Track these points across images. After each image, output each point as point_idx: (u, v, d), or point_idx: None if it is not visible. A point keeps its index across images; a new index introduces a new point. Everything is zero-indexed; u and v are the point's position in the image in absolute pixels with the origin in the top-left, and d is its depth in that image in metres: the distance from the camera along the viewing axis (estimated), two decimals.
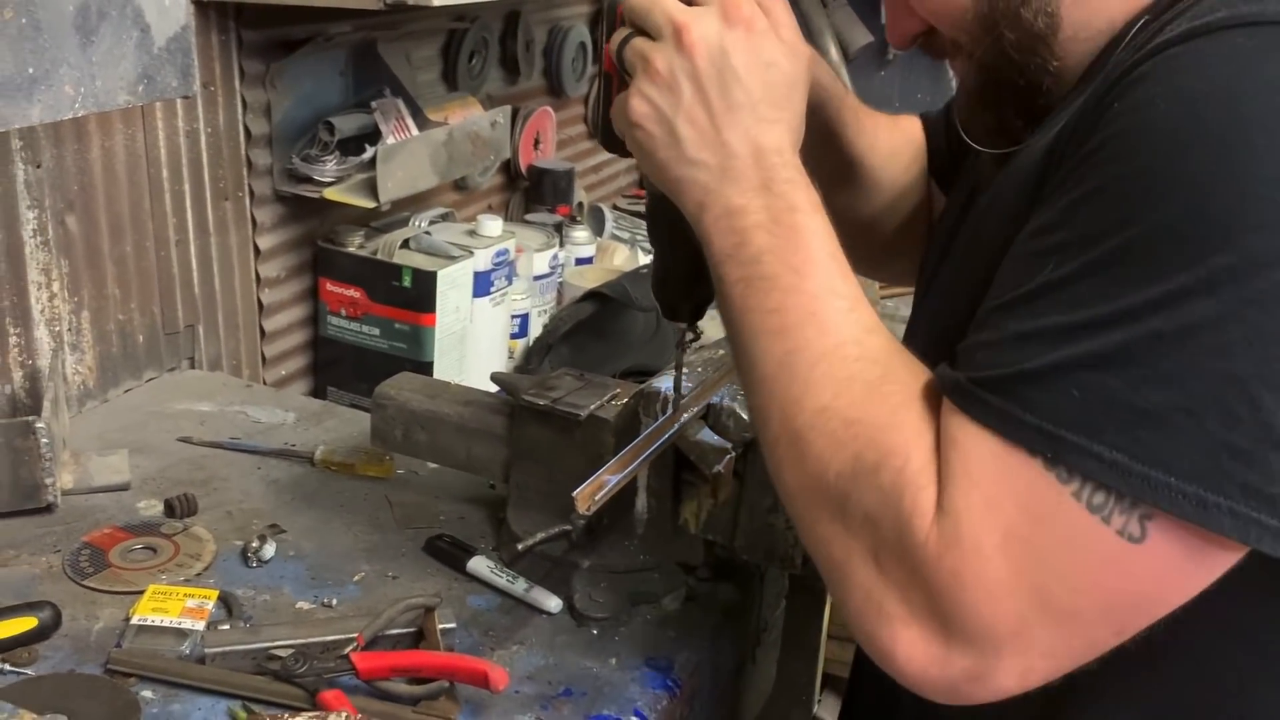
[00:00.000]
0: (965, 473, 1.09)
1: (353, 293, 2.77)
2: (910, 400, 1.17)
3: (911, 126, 1.88)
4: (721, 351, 1.86)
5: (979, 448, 1.09)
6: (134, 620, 1.67)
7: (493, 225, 2.88)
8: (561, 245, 3.24)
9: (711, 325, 3.08)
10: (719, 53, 1.31)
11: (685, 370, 1.75)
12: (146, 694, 1.56)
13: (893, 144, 1.83)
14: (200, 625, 1.66)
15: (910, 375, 1.20)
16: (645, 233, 3.72)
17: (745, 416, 1.64)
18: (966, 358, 1.14)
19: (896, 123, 1.88)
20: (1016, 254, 1.15)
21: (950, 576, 1.08)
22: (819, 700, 2.48)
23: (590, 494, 1.51)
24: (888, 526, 1.12)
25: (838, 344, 1.22)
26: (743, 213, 1.28)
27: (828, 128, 1.73)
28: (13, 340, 2.19)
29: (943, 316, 1.38)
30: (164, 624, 1.66)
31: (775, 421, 1.23)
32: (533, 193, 3.52)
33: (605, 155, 4.00)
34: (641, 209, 3.93)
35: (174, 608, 1.69)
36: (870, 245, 1.81)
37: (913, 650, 1.11)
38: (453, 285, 2.72)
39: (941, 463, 1.11)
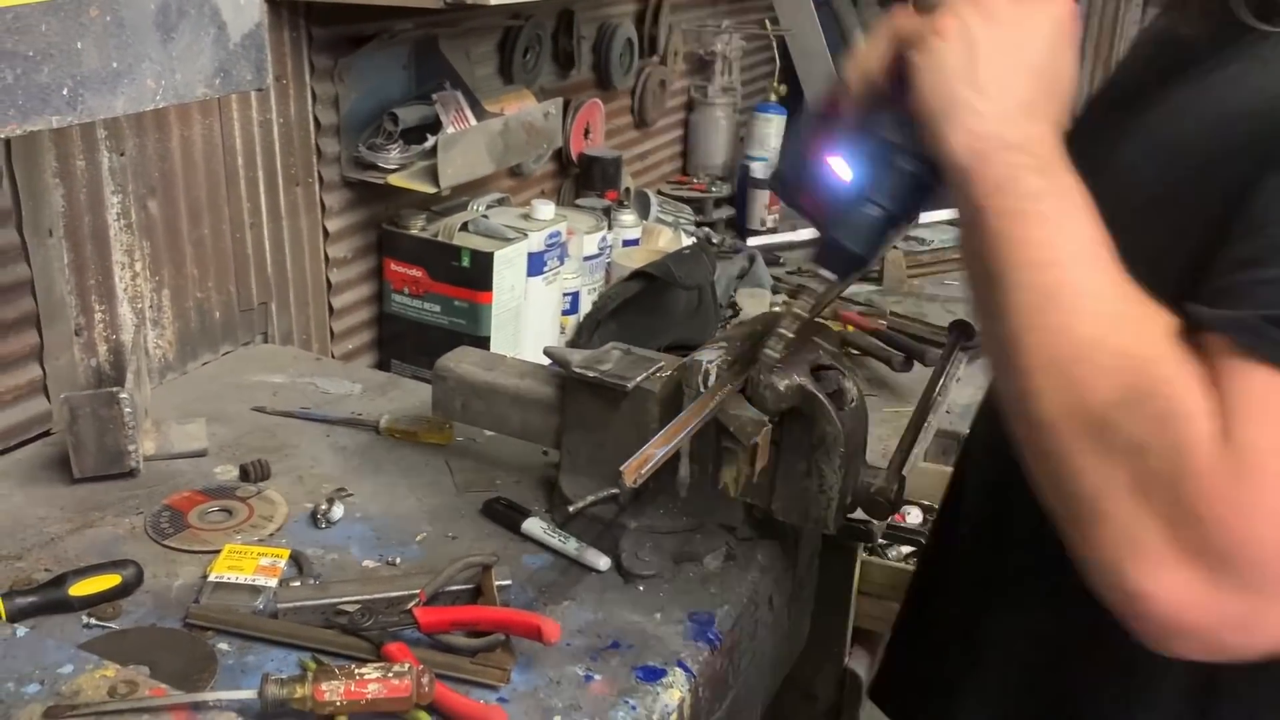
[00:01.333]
0: (1257, 407, 1.01)
1: (415, 272, 2.77)
2: (1171, 337, 1.09)
3: None
4: (759, 327, 1.85)
5: (1270, 382, 1.01)
6: (211, 578, 1.67)
7: (545, 209, 2.87)
8: (609, 228, 3.22)
9: (750, 303, 3.08)
10: (1040, 12, 1.28)
11: (724, 344, 1.74)
12: (223, 646, 1.57)
13: None
14: (273, 582, 1.66)
15: (1164, 315, 1.12)
16: (687, 217, 3.73)
17: (781, 389, 1.63)
18: (1241, 293, 1.06)
19: None
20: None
21: (1235, 510, 0.99)
22: (849, 653, 2.47)
23: (637, 467, 1.50)
24: (1159, 456, 1.03)
25: (1108, 281, 1.14)
26: (1020, 149, 1.21)
27: None
28: (98, 317, 2.19)
29: (1127, 199, 1.27)
30: (239, 581, 1.66)
31: (1035, 350, 1.14)
32: (582, 179, 3.51)
33: (652, 143, 4.02)
34: (683, 194, 3.94)
35: (248, 566, 1.69)
36: None
37: (1175, 591, 1.02)
38: (508, 265, 2.72)
39: (1224, 398, 1.03)
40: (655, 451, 1.53)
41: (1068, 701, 1.46)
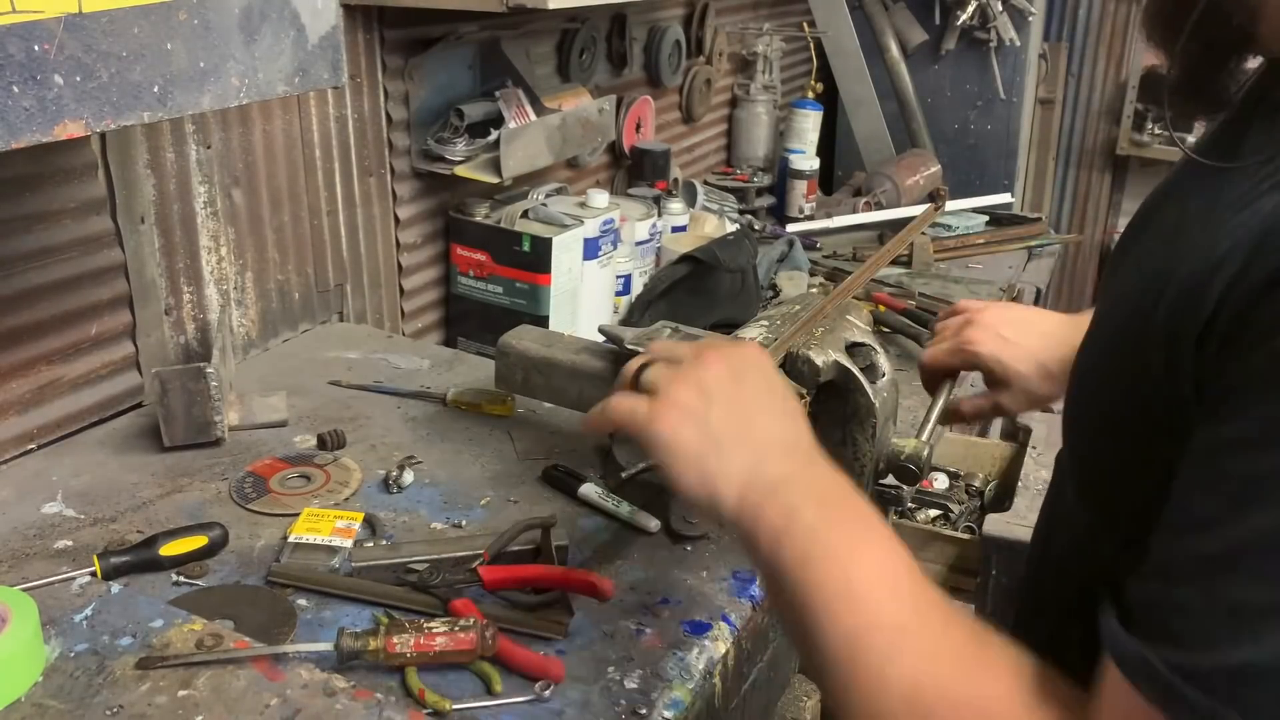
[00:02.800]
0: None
1: (479, 256, 2.76)
2: (1013, 672, 0.96)
3: None
4: (797, 307, 1.84)
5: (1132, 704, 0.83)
6: (291, 539, 1.67)
7: (600, 198, 2.87)
8: (659, 215, 3.21)
9: (789, 285, 3.06)
10: (738, 361, 1.25)
11: (766, 322, 1.73)
12: (301, 602, 1.56)
13: None
14: (348, 543, 1.66)
15: (1006, 648, 0.99)
16: (731, 205, 3.71)
17: (819, 363, 1.62)
18: (1154, 615, 0.84)
19: None
20: (1206, 455, 0.86)
21: None
22: None
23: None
24: None
25: (910, 606, 1.02)
26: (789, 486, 1.13)
27: None
28: (186, 297, 2.19)
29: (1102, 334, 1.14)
30: (317, 542, 1.66)
31: (857, 704, 0.99)
32: (634, 170, 3.50)
33: (698, 137, 4.01)
34: (727, 184, 3.93)
35: (325, 528, 1.69)
36: None
37: None
38: (566, 250, 2.71)
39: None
40: None
41: None
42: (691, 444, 1.19)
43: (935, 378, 1.83)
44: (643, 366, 1.29)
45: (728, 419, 1.20)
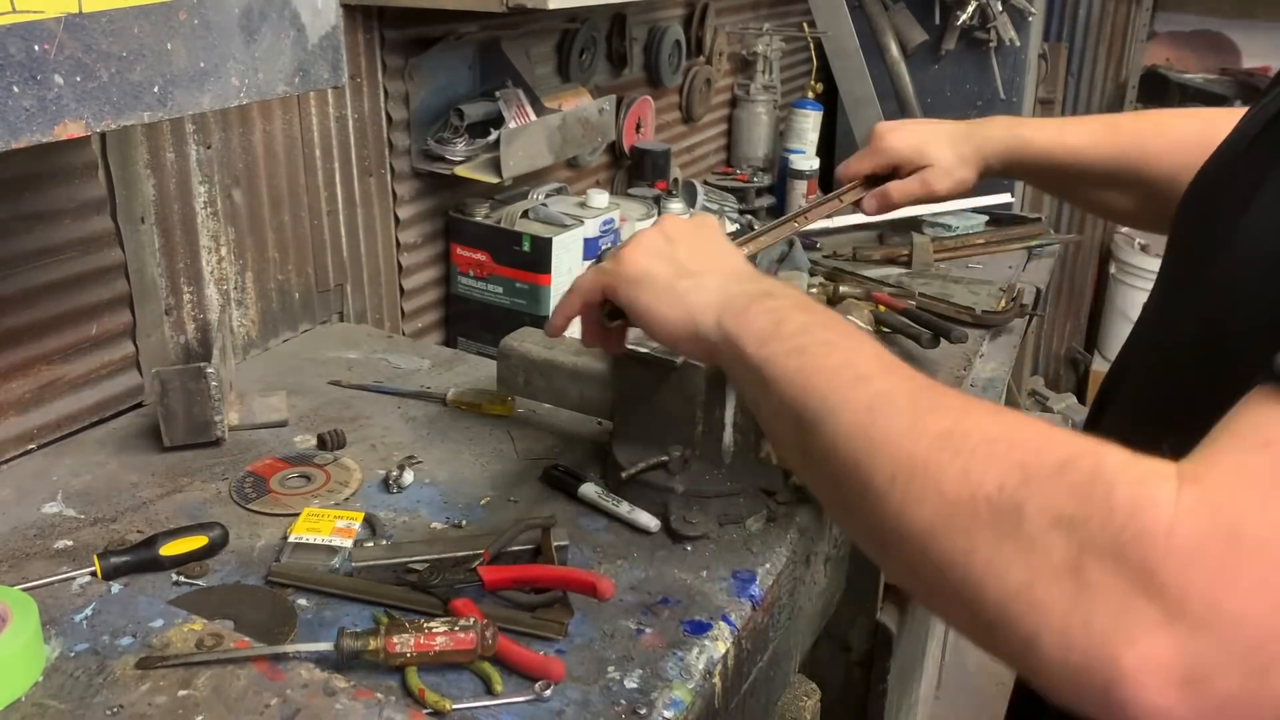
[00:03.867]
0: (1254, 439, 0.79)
1: (479, 256, 2.76)
2: (1031, 418, 0.91)
3: (1210, 134, 1.44)
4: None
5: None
6: (291, 539, 1.67)
7: (600, 198, 2.87)
8: (659, 215, 3.22)
9: (789, 284, 3.05)
10: (691, 219, 1.39)
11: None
12: (302, 602, 1.56)
13: (1184, 159, 1.52)
14: (348, 543, 1.66)
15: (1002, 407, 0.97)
16: (731, 205, 3.71)
17: None
18: None
19: (1191, 134, 1.66)
20: None
21: (1213, 575, 0.74)
22: (881, 607, 2.46)
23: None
24: (1099, 525, 0.78)
25: (927, 381, 1.01)
26: (770, 296, 1.18)
27: (1028, 171, 1.89)
28: (187, 297, 2.20)
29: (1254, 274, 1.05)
30: (317, 542, 1.66)
31: (883, 465, 0.93)
32: (634, 170, 3.51)
33: (698, 137, 4.01)
34: (727, 184, 3.93)
35: (325, 528, 1.69)
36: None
37: (1159, 674, 0.75)
38: (566, 250, 2.71)
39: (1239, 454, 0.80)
40: None
41: None
42: (662, 275, 1.30)
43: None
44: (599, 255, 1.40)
45: (692, 253, 1.32)
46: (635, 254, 1.34)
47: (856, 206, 2.00)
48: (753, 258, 1.67)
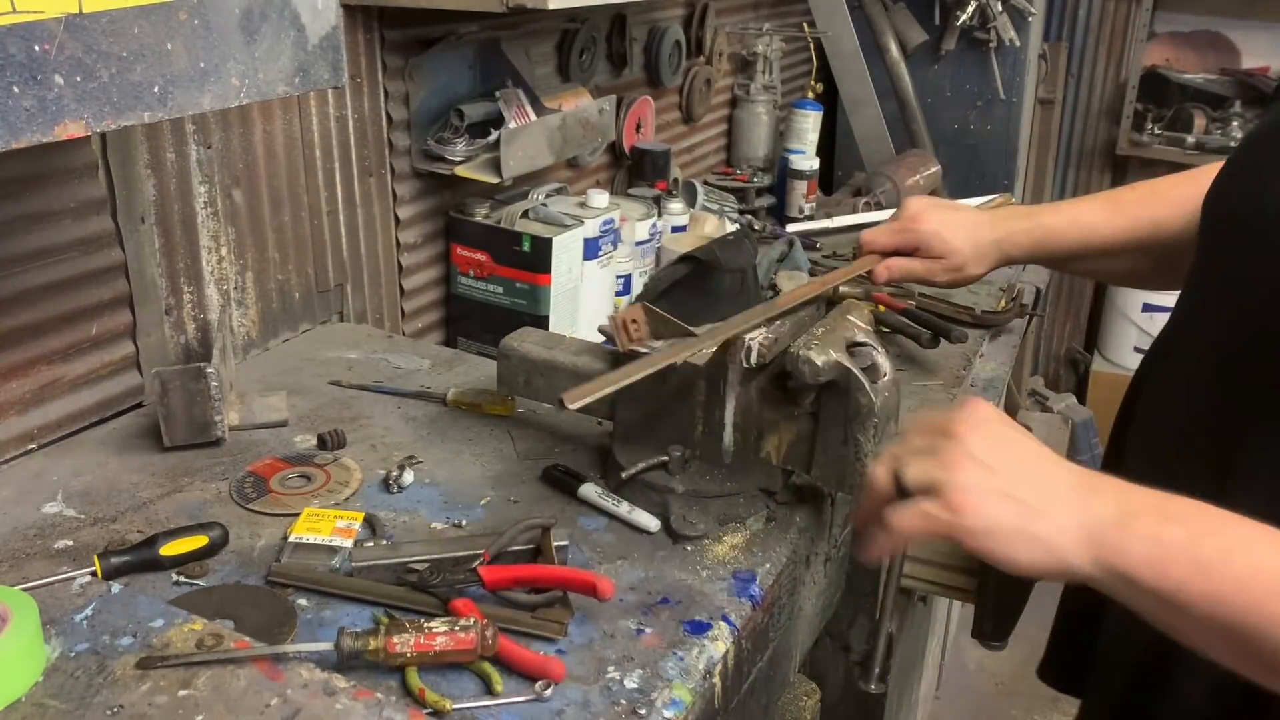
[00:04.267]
0: None
1: (480, 256, 2.77)
2: None
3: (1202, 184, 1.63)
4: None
5: None
6: (291, 538, 1.67)
7: (600, 198, 2.87)
8: (659, 215, 3.22)
9: (789, 285, 3.06)
10: (985, 424, 1.24)
11: (766, 323, 1.73)
12: (302, 602, 1.57)
13: (1188, 215, 1.67)
14: (348, 543, 1.66)
15: None
16: (731, 205, 3.71)
17: (819, 363, 1.62)
18: None
19: (1193, 192, 1.67)
20: None
21: None
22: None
23: (576, 397, 1.53)
24: None
25: None
26: (1131, 517, 1.13)
27: (1051, 256, 1.94)
28: (187, 297, 2.20)
29: None
30: (317, 542, 1.66)
31: None
32: (634, 170, 3.51)
33: (698, 137, 4.01)
34: (727, 184, 3.93)
35: (325, 528, 1.69)
36: (1179, 268, 1.64)
37: None
38: (566, 250, 2.71)
39: None
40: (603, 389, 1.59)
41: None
42: (1008, 518, 1.18)
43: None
44: (894, 472, 1.27)
45: (1023, 481, 1.20)
46: (967, 499, 1.20)
47: (867, 275, 2.07)
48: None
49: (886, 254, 2.05)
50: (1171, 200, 1.81)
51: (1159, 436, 1.47)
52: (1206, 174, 1.63)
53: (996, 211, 2.04)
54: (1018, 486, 1.19)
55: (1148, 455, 1.44)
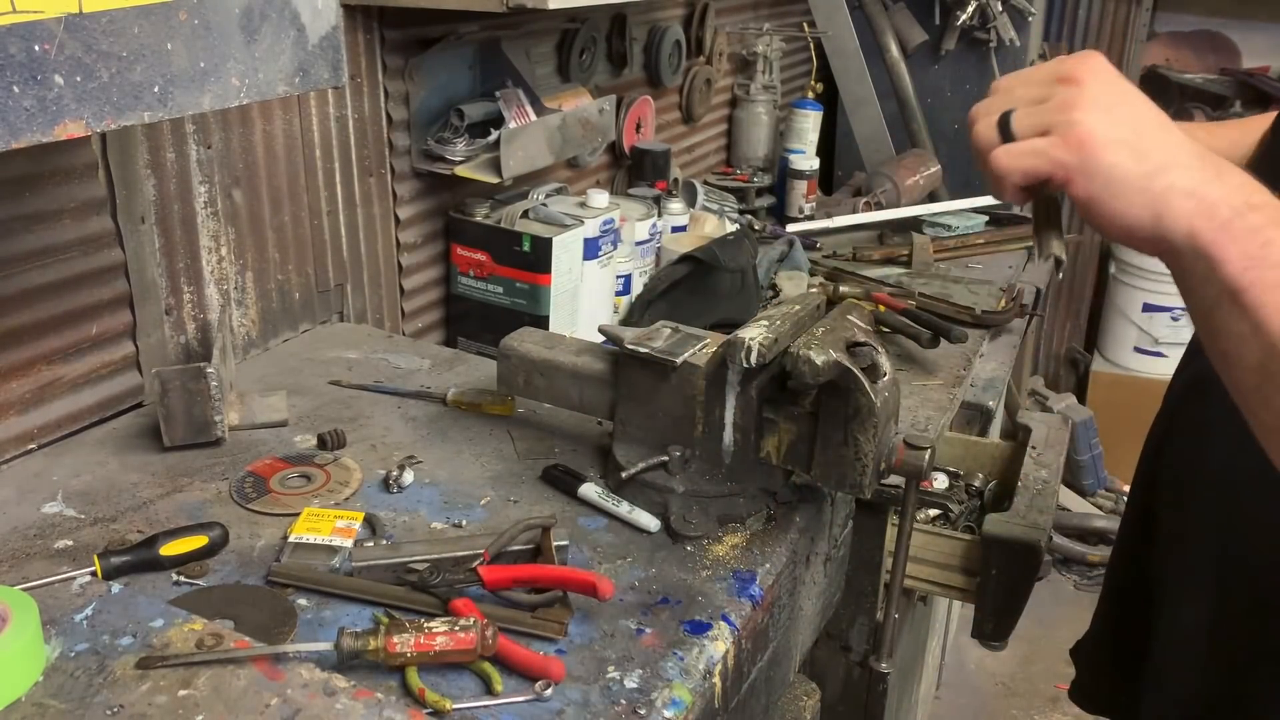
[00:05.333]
0: None
1: (480, 256, 2.77)
2: None
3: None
4: (797, 306, 1.84)
5: None
6: (291, 538, 1.67)
7: (600, 198, 2.87)
8: (659, 215, 3.22)
9: (789, 285, 3.06)
10: (1105, 73, 1.18)
11: (766, 322, 1.74)
12: (302, 602, 1.56)
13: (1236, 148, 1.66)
14: (348, 543, 1.66)
15: None
16: (731, 205, 3.71)
17: (819, 363, 1.62)
18: None
19: (1244, 129, 1.73)
20: None
21: None
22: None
23: None
24: None
25: None
26: (1251, 209, 1.09)
27: None
28: (187, 297, 2.20)
29: None
30: (317, 542, 1.66)
31: None
32: (634, 170, 3.51)
33: (698, 137, 4.01)
34: (727, 184, 3.93)
35: (325, 528, 1.69)
36: None
37: None
38: (566, 250, 2.71)
39: None
40: None
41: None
42: (1130, 170, 1.13)
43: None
44: (1005, 116, 1.21)
45: (1147, 134, 1.15)
46: (1094, 140, 1.15)
47: None
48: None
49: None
50: None
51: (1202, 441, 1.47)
52: None
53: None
54: (1142, 139, 1.14)
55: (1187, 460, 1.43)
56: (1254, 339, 1.06)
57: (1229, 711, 1.55)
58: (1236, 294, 1.07)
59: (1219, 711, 1.57)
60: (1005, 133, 1.21)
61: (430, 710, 1.36)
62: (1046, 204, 1.30)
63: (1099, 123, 1.15)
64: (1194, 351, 1.51)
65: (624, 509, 1.79)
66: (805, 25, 4.40)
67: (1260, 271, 1.06)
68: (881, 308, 2.88)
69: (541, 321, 2.69)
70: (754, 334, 1.70)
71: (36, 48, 1.15)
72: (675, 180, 3.55)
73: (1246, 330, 1.07)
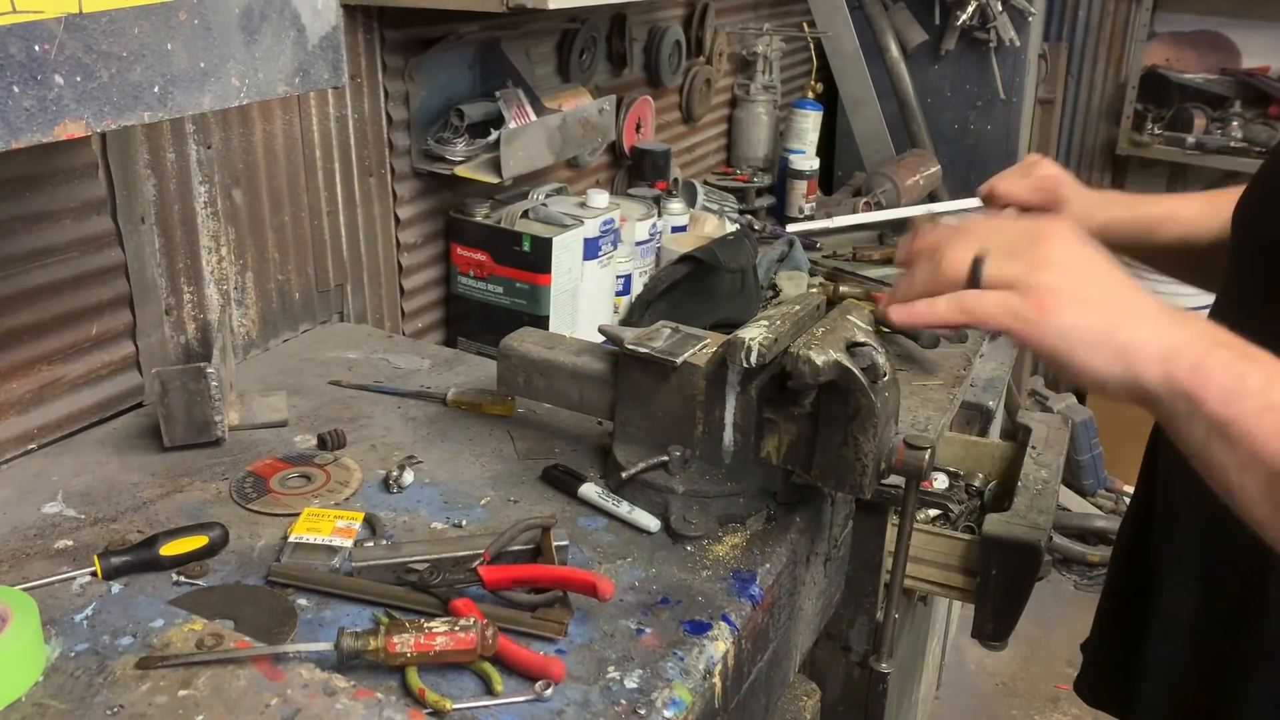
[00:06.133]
0: None
1: (480, 256, 2.77)
2: None
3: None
4: (797, 306, 1.84)
5: None
6: (291, 539, 1.67)
7: (600, 198, 2.87)
8: (659, 215, 3.22)
9: (789, 285, 3.06)
10: (1068, 236, 1.26)
11: (766, 322, 1.74)
12: (302, 602, 1.57)
13: (1224, 218, 1.70)
14: (348, 543, 1.66)
15: None
16: (731, 205, 3.72)
17: (819, 363, 1.62)
18: None
19: (1213, 202, 1.80)
20: None
21: None
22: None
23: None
24: None
25: None
26: (1219, 346, 1.15)
27: (1146, 249, 1.84)
28: (187, 297, 2.20)
29: None
30: (317, 542, 1.66)
31: None
32: (634, 170, 3.51)
33: (698, 137, 4.01)
34: (727, 184, 3.93)
35: (325, 528, 1.69)
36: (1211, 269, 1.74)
37: None
38: (566, 250, 2.71)
39: None
40: None
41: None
42: (1089, 322, 1.20)
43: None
44: (978, 261, 1.28)
45: (1109, 294, 1.22)
46: (1055, 300, 1.22)
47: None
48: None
49: (1023, 209, 1.92)
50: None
51: None
52: None
53: (1105, 194, 1.94)
54: (1104, 298, 1.21)
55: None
56: (1253, 468, 1.10)
57: (1217, 698, 1.55)
58: (1224, 427, 1.11)
59: (1207, 699, 1.57)
60: (975, 275, 1.27)
61: (430, 710, 1.36)
62: None
63: (1062, 283, 1.22)
64: None
65: (624, 509, 1.79)
66: (805, 25, 4.40)
67: (1242, 403, 1.10)
68: None
69: (541, 321, 2.69)
70: (754, 334, 1.70)
71: (36, 48, 1.15)
72: (675, 180, 3.55)
73: (1245, 459, 1.10)
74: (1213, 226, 1.79)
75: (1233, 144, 5.50)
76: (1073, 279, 1.22)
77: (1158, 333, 1.17)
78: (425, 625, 1.41)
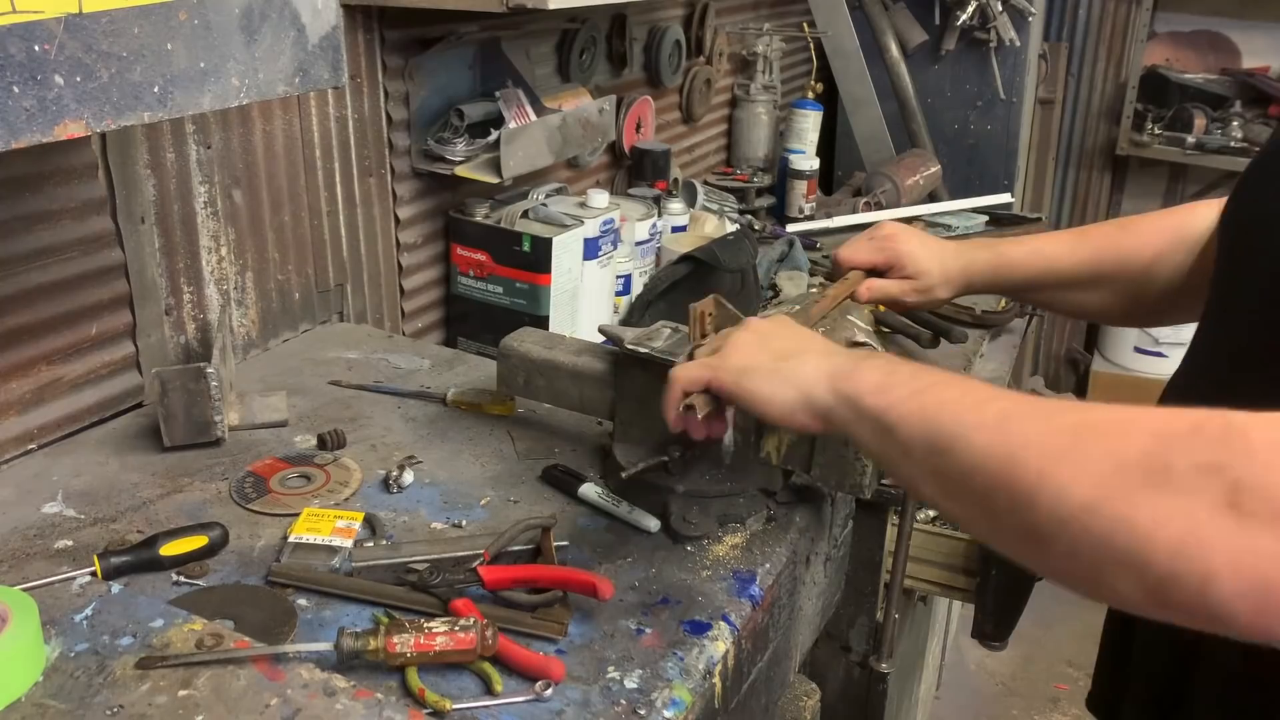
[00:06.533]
0: None
1: (480, 256, 2.77)
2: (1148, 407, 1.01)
3: (1186, 222, 1.79)
4: (797, 307, 1.84)
5: None
6: (291, 539, 1.67)
7: (600, 198, 2.87)
8: (659, 215, 3.22)
9: (789, 285, 3.06)
10: (770, 320, 1.57)
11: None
12: (302, 602, 1.57)
13: (1158, 248, 1.81)
14: (348, 543, 1.66)
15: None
16: (731, 205, 3.71)
17: None
18: None
19: (1165, 225, 1.85)
20: None
21: None
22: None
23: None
24: (1244, 464, 0.88)
25: (1038, 397, 1.10)
26: (872, 358, 1.33)
27: (1014, 286, 2.02)
28: (187, 297, 2.20)
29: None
30: (317, 542, 1.66)
31: (1028, 464, 1.01)
32: (634, 170, 3.51)
33: (698, 137, 4.01)
34: (727, 184, 3.93)
35: (325, 528, 1.69)
36: (1149, 305, 1.86)
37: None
38: (566, 250, 2.71)
39: None
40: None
41: None
42: (765, 362, 1.43)
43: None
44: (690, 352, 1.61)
45: (782, 339, 1.47)
46: (735, 350, 1.49)
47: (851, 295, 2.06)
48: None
49: (869, 271, 2.05)
50: (1140, 233, 1.87)
51: None
52: (1182, 211, 1.80)
53: (961, 241, 2.10)
54: (778, 342, 1.47)
55: None
56: (911, 450, 1.17)
57: (1189, 698, 1.55)
58: (881, 417, 1.22)
59: (1183, 699, 1.57)
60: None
61: (430, 710, 1.36)
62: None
63: (744, 341, 1.51)
64: (1193, 350, 1.52)
65: (624, 509, 1.79)
66: (805, 25, 4.39)
67: (890, 393, 1.22)
68: (881, 308, 2.87)
69: (541, 321, 2.69)
70: None
71: (36, 48, 1.15)
72: (675, 180, 3.55)
73: (904, 444, 1.18)
74: (1080, 255, 1.91)
75: (1233, 144, 5.50)
76: (755, 337, 1.51)
77: (821, 359, 1.37)
78: (425, 625, 1.41)
